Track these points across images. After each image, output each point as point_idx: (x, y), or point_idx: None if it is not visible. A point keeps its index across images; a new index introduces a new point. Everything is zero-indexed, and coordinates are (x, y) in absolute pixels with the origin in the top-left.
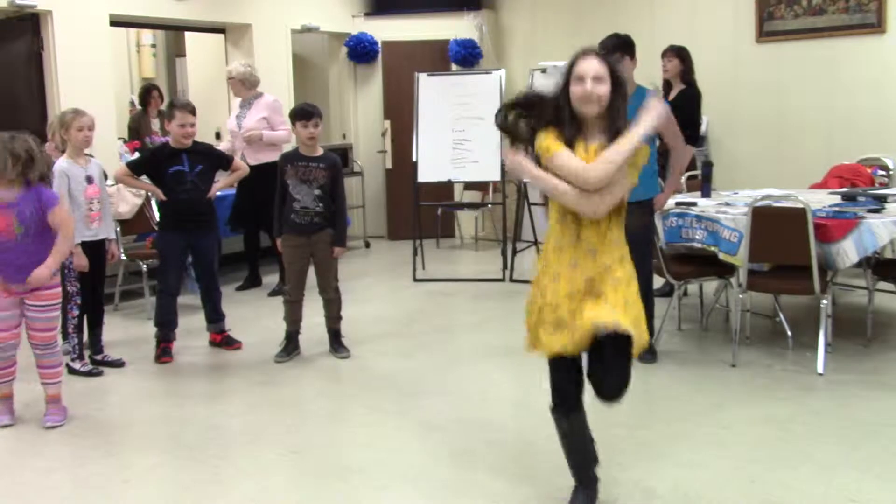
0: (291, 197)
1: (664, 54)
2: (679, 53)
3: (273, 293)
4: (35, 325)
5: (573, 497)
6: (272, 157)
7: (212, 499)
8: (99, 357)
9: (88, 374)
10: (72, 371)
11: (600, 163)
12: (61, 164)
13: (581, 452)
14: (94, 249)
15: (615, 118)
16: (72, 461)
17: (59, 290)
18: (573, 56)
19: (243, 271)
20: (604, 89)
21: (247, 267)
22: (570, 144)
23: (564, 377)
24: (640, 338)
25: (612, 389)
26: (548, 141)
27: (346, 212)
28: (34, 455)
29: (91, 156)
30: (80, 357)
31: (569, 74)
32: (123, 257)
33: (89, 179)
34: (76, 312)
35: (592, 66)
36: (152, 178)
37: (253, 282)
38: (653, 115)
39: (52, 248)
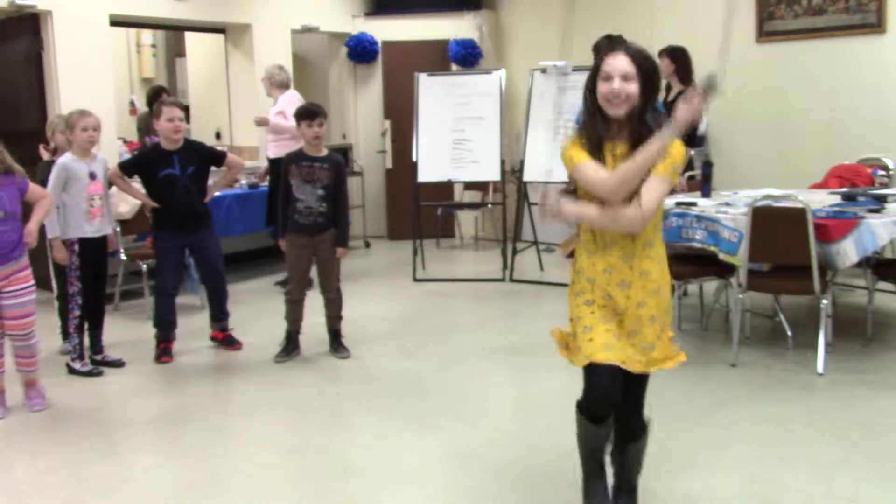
0: (295, 197)
1: (657, 56)
2: (670, 54)
3: (280, 283)
4: (10, 314)
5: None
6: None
7: (212, 499)
8: (99, 357)
9: (89, 374)
10: (72, 371)
11: (613, 175)
12: (64, 158)
13: (588, 450)
14: (96, 247)
15: (639, 120)
16: (72, 461)
17: (31, 273)
18: (602, 52)
19: (246, 271)
20: (632, 88)
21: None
22: (598, 148)
23: (604, 381)
24: (666, 348)
25: (630, 424)
26: (572, 150)
27: (348, 212)
28: (34, 455)
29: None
30: (81, 357)
31: (595, 71)
32: (123, 257)
33: (92, 175)
34: (77, 312)
35: (620, 64)
36: (145, 180)
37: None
38: (675, 128)
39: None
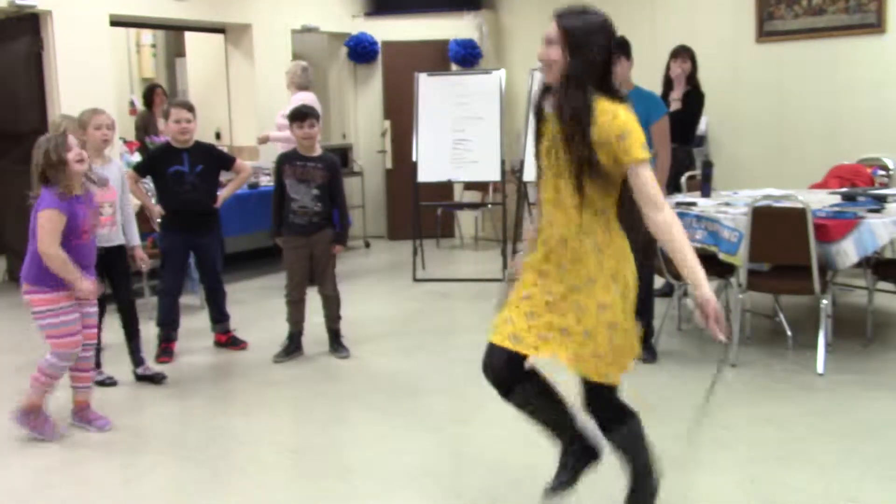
0: (290, 197)
1: (677, 55)
2: (692, 55)
3: None
4: (89, 322)
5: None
6: None
7: (212, 499)
8: (140, 370)
9: (101, 383)
10: None
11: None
12: None
13: (543, 421)
14: (108, 257)
15: (566, 94)
16: (72, 461)
17: None
18: None
19: (246, 271)
20: (554, 53)
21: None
22: (538, 122)
23: (496, 359)
24: (606, 366)
25: (599, 425)
26: None
27: (347, 211)
28: (34, 455)
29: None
30: (98, 365)
31: None
32: None
33: (103, 182)
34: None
35: (548, 28)
36: (155, 178)
37: None
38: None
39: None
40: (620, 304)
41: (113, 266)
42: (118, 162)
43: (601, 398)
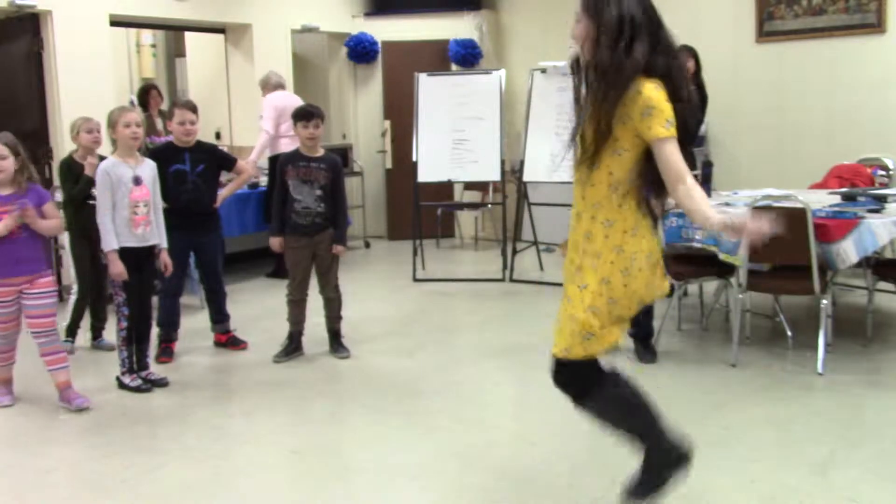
0: (293, 198)
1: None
2: (694, 54)
3: (270, 274)
4: (33, 313)
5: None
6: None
7: (212, 499)
8: (143, 374)
9: (137, 389)
10: (121, 385)
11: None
12: (105, 163)
13: (615, 426)
14: (141, 257)
15: (599, 71)
16: (72, 461)
17: (54, 279)
18: None
19: (246, 271)
20: (578, 28)
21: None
22: (577, 100)
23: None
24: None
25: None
26: None
27: (347, 212)
28: (34, 455)
29: (146, 155)
30: (130, 371)
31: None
32: None
33: (137, 180)
34: (124, 324)
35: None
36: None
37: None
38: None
39: (44, 242)
40: (620, 280)
41: (142, 266)
42: (151, 161)
43: (568, 369)
